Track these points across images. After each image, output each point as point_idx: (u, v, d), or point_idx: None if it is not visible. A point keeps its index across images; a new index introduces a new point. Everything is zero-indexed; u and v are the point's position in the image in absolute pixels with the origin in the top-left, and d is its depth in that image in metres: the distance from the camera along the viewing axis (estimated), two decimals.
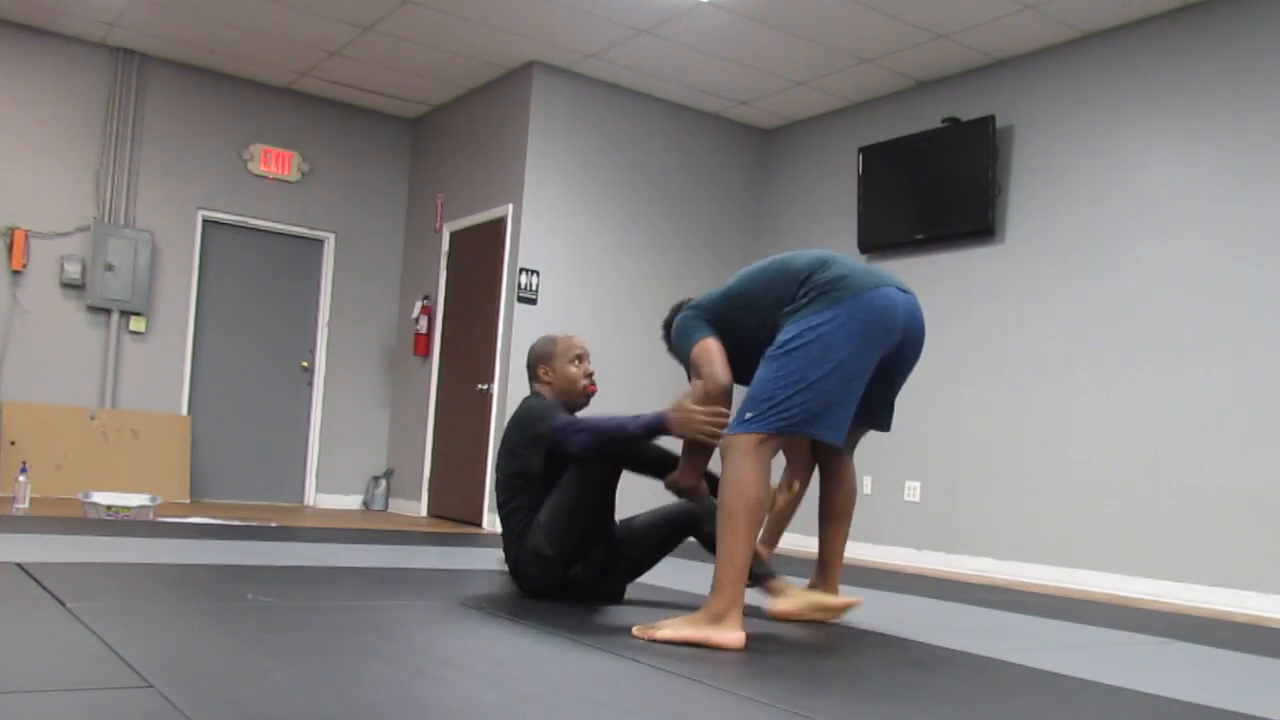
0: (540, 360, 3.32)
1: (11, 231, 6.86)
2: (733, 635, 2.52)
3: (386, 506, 8.06)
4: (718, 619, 2.54)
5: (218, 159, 7.58)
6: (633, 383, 7.00)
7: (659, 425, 2.90)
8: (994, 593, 4.73)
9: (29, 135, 6.98)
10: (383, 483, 8.10)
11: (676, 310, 3.17)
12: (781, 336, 2.72)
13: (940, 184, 6.45)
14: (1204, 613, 4.66)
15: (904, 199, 6.69)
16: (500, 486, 3.21)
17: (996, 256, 6.22)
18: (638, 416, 2.96)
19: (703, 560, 3.74)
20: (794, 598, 3.08)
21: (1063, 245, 5.90)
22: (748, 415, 2.66)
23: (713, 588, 2.57)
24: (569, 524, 3.06)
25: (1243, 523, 5.00)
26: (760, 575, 3.12)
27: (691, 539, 3.29)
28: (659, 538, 3.25)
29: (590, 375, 3.32)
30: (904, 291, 2.87)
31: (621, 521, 3.28)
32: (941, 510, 6.33)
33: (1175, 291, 5.40)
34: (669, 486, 3.12)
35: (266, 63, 7.32)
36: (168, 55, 7.34)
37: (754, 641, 2.61)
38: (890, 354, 2.84)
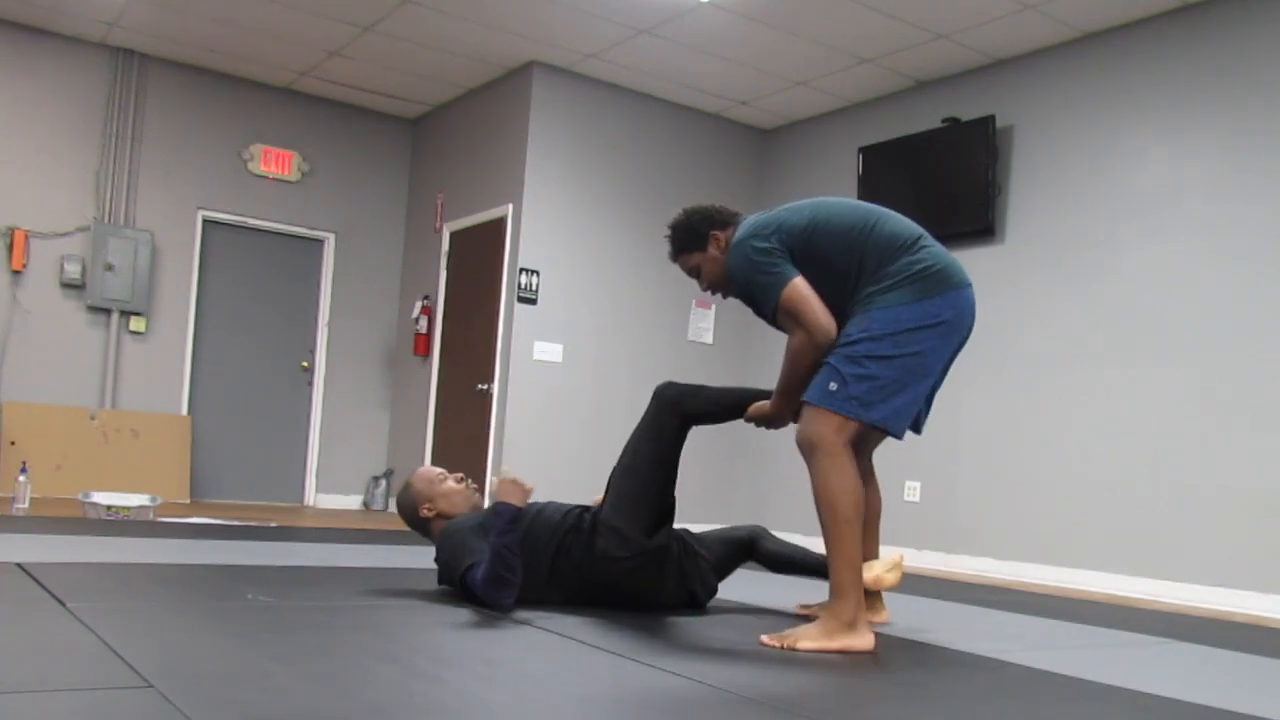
0: (418, 503, 3.13)
1: (11, 231, 6.86)
2: (866, 639, 2.57)
3: (386, 506, 8.06)
4: (851, 625, 2.56)
5: (218, 159, 7.58)
6: (633, 382, 6.99)
7: (510, 517, 2.78)
8: (994, 593, 4.73)
9: (29, 135, 6.98)
10: (383, 483, 8.10)
11: (706, 218, 2.95)
12: (871, 323, 2.63)
13: (940, 184, 6.45)
14: (1204, 613, 4.66)
15: (904, 199, 6.67)
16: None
17: (996, 256, 6.22)
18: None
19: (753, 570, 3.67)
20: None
21: (1063, 245, 5.90)
22: (832, 387, 2.61)
23: (836, 594, 2.57)
24: (639, 511, 2.89)
25: (1243, 523, 5.00)
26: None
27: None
28: (719, 557, 3.18)
29: (462, 479, 3.19)
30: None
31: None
32: (941, 510, 6.33)
33: (1175, 291, 5.40)
34: (754, 416, 2.92)
35: (266, 63, 7.32)
36: (168, 55, 7.34)
37: (752, 641, 2.61)
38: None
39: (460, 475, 3.22)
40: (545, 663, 2.22)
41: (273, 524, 5.71)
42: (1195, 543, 5.15)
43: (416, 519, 3.16)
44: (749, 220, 2.88)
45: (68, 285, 7.03)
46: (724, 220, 2.97)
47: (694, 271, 3.03)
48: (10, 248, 6.86)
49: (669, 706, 1.89)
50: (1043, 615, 3.82)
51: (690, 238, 2.99)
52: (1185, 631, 3.67)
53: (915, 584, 4.80)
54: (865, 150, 6.88)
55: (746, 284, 2.79)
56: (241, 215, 7.69)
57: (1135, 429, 5.46)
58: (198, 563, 3.59)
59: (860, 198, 6.83)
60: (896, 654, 2.65)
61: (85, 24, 6.86)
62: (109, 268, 7.06)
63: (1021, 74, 6.21)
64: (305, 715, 1.65)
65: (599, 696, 1.95)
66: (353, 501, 8.13)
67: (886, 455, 6.55)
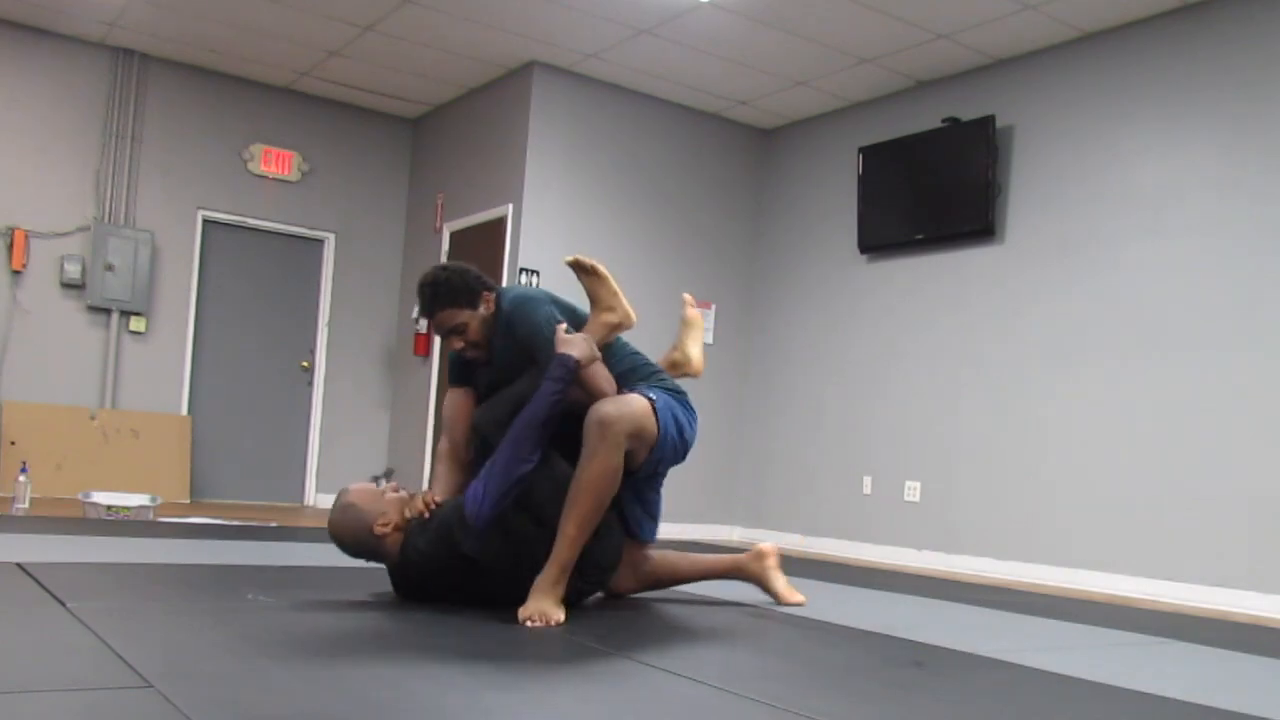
0: (371, 521, 2.87)
1: (11, 231, 6.86)
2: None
3: None
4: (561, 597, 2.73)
5: (218, 159, 7.58)
6: None
7: (570, 369, 2.75)
8: (994, 593, 4.73)
9: (29, 135, 6.98)
10: (383, 482, 8.06)
11: (479, 278, 3.12)
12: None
13: (940, 184, 6.45)
14: (1204, 613, 4.66)
15: (904, 199, 6.69)
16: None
17: (996, 256, 6.22)
18: (536, 385, 2.77)
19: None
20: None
21: (1062, 245, 5.90)
22: (651, 395, 2.91)
23: (561, 566, 2.69)
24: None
25: (1243, 523, 5.00)
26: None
27: None
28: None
29: (397, 487, 3.03)
30: None
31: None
32: (941, 510, 6.33)
33: (1175, 291, 5.40)
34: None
35: (266, 63, 7.32)
36: (168, 55, 7.34)
37: (753, 641, 2.61)
38: None
39: (394, 484, 3.02)
40: (545, 663, 2.22)
41: (273, 524, 5.71)
42: (1195, 543, 5.15)
43: (369, 539, 2.85)
44: (522, 288, 3.08)
45: (68, 285, 7.03)
46: (491, 284, 3.15)
47: (458, 329, 3.08)
48: (10, 248, 6.86)
49: (669, 706, 1.89)
50: (1043, 615, 3.82)
51: (466, 295, 3.09)
52: (1185, 631, 3.67)
53: (915, 584, 4.81)
54: (865, 150, 6.88)
55: (533, 337, 2.92)
56: (241, 215, 7.69)
57: (1135, 429, 5.46)
58: (198, 563, 3.59)
59: (860, 198, 6.87)
60: (896, 654, 2.65)
61: (85, 24, 6.86)
62: (109, 268, 7.06)
63: (1021, 74, 6.21)
64: (305, 715, 1.65)
65: (600, 697, 1.95)
66: None
67: (887, 455, 6.59)
